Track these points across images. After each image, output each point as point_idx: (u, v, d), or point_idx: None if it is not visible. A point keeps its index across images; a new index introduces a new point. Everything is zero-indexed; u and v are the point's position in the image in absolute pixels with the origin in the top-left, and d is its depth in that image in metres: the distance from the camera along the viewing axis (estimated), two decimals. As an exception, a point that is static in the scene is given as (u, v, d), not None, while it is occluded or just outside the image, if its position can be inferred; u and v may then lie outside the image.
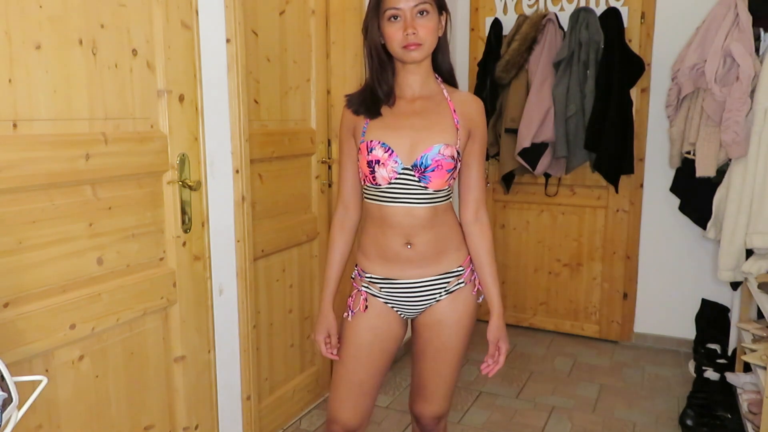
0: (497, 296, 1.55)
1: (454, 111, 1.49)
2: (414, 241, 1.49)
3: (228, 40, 1.95)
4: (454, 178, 1.52)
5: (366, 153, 1.48)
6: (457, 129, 1.48)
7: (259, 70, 2.21)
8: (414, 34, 1.39)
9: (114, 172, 1.60)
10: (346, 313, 1.61)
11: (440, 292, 1.54)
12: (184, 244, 1.83)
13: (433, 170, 1.45)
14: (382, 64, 1.48)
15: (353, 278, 1.63)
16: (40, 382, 0.97)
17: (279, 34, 2.31)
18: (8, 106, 1.35)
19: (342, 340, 1.60)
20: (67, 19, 1.45)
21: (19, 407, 0.93)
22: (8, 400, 0.90)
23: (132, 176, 1.66)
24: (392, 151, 1.46)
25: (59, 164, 1.45)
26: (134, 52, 1.63)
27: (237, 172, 2.03)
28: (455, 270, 1.55)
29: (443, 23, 1.48)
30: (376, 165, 1.47)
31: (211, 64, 1.89)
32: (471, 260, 1.59)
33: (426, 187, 1.46)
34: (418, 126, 1.47)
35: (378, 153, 1.46)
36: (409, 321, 1.63)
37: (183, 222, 1.82)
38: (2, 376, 0.91)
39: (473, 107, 1.53)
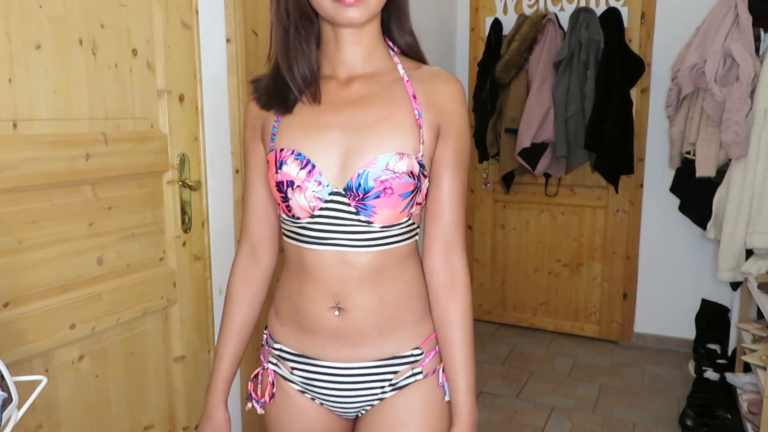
0: (466, 395, 0.98)
1: (414, 97, 0.97)
2: (346, 305, 0.97)
3: (228, 40, 1.95)
4: (420, 204, 0.99)
5: (274, 169, 0.98)
6: (419, 126, 0.96)
7: (259, 70, 2.21)
8: None
9: (114, 172, 1.60)
10: (249, 404, 1.12)
11: (383, 387, 1.02)
12: (184, 244, 1.83)
13: (378, 196, 0.93)
14: (301, 29, 0.97)
15: (262, 346, 1.13)
16: (40, 382, 0.97)
17: (279, 34, 2.31)
18: (8, 106, 1.35)
19: None
20: (67, 19, 1.45)
21: (19, 407, 0.93)
22: (8, 400, 0.90)
23: (132, 176, 1.66)
24: (313, 167, 0.95)
25: (59, 164, 1.45)
26: (134, 52, 1.63)
27: (237, 172, 2.03)
28: (407, 354, 1.01)
29: None
30: (290, 189, 0.96)
31: (211, 64, 1.90)
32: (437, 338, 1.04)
33: (369, 222, 0.95)
34: (356, 123, 0.96)
35: (291, 170, 0.95)
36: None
37: (183, 222, 1.82)
38: (2, 376, 0.91)
39: (444, 89, 0.98)
